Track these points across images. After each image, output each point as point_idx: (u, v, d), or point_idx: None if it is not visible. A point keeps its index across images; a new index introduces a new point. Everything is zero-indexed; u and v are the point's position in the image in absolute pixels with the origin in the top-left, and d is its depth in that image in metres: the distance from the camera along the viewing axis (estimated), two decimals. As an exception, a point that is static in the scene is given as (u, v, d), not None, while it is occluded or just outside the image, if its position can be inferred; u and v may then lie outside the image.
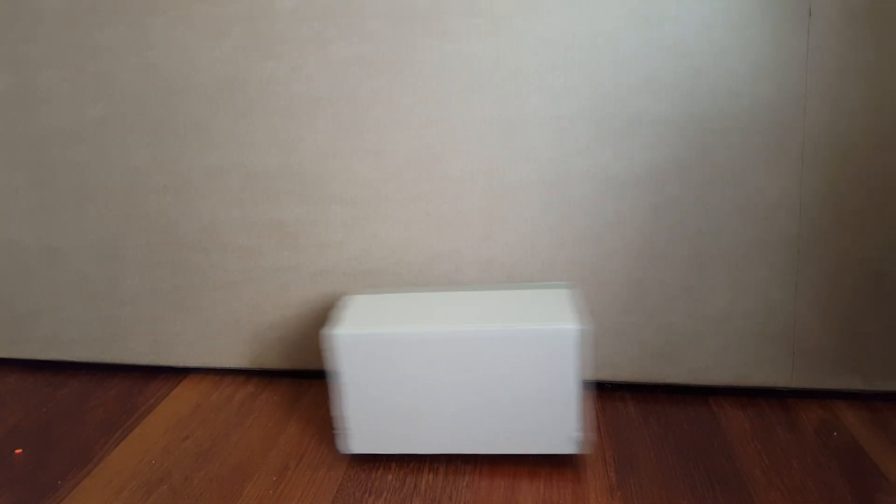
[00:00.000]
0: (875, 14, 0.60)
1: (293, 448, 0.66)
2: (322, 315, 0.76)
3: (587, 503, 0.56)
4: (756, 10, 0.62)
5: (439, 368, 0.59)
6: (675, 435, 0.65)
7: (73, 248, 0.78)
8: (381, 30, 0.67)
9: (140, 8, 0.70)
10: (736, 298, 0.68)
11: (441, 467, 0.62)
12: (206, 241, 0.75)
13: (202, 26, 0.69)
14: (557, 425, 0.59)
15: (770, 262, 0.67)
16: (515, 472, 0.61)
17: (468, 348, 0.58)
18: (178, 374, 0.81)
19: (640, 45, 0.64)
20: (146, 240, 0.76)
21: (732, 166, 0.65)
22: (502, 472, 0.61)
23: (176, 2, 0.69)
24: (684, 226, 0.67)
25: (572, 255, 0.70)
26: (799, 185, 0.65)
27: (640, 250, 0.68)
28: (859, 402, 0.69)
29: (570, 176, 0.68)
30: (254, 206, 0.73)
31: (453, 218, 0.70)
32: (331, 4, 0.67)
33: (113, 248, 0.77)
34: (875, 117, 0.62)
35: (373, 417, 0.61)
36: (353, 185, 0.71)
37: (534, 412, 0.59)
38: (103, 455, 0.66)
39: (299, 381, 0.78)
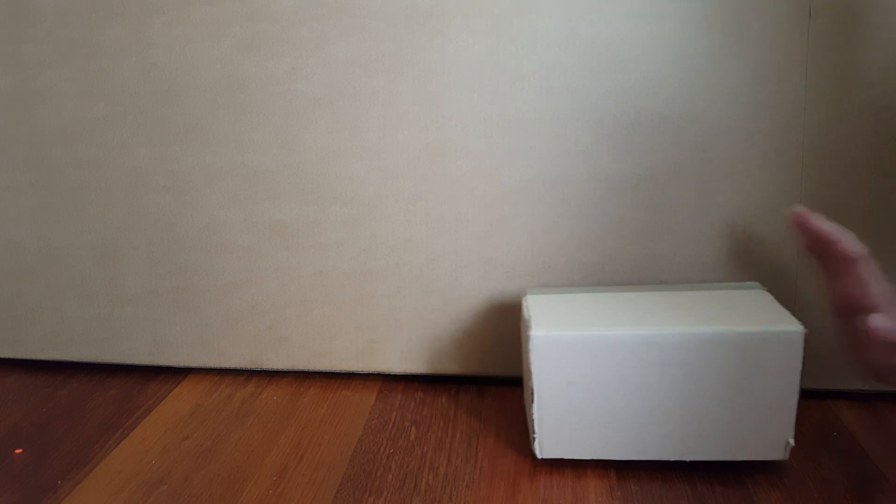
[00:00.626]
0: (876, 14, 0.60)
1: (293, 448, 0.66)
2: (322, 315, 0.76)
3: (587, 503, 0.56)
4: (756, 11, 0.62)
5: (642, 372, 0.57)
6: (675, 435, 0.65)
7: (73, 248, 0.78)
8: (381, 30, 0.67)
9: (140, 8, 0.70)
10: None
11: (441, 467, 0.62)
12: (206, 241, 0.75)
13: (202, 26, 0.69)
14: (772, 431, 0.57)
15: (770, 262, 0.67)
16: (516, 472, 0.61)
17: (679, 351, 0.56)
18: (178, 374, 0.81)
19: (641, 45, 0.64)
20: (146, 240, 0.76)
21: (733, 166, 0.65)
22: (502, 472, 0.61)
23: (176, 2, 0.69)
24: (685, 226, 0.67)
25: (572, 255, 0.70)
26: (799, 185, 0.65)
27: (640, 251, 0.68)
28: (859, 402, 0.69)
29: (571, 176, 0.68)
30: (254, 206, 0.73)
31: (453, 218, 0.71)
32: (331, 4, 0.67)
33: (113, 248, 0.77)
34: (875, 117, 0.62)
35: (570, 421, 0.59)
36: (353, 185, 0.71)
37: (748, 418, 0.57)
38: (103, 455, 0.66)
39: (299, 381, 0.78)
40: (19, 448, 0.68)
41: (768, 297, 0.62)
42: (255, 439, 0.67)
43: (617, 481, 0.59)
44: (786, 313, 0.58)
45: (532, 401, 0.60)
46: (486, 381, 0.76)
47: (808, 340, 0.56)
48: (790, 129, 0.64)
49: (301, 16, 0.68)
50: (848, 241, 0.52)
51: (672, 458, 0.60)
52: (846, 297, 0.53)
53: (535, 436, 0.61)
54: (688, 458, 0.60)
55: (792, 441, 0.58)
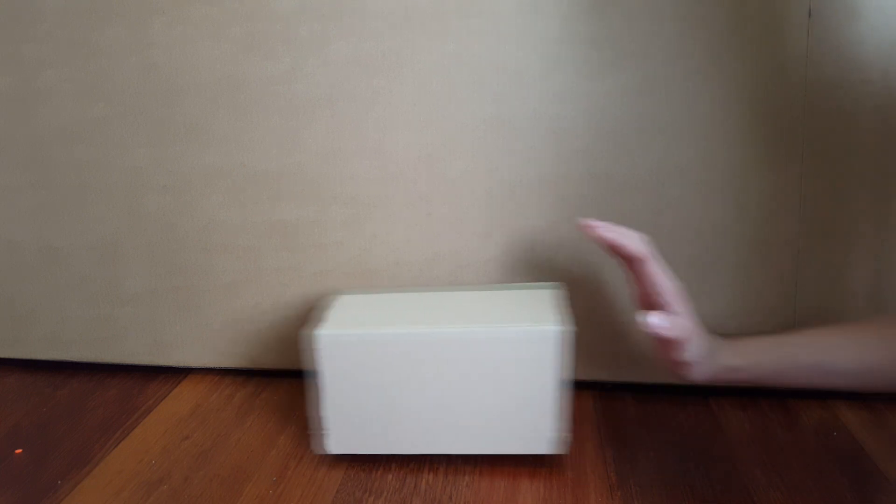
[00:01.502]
0: (876, 14, 0.60)
1: (293, 448, 0.66)
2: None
3: (587, 503, 0.56)
4: (756, 11, 0.62)
5: (418, 369, 0.59)
6: (675, 435, 0.65)
7: (73, 248, 0.78)
8: (381, 30, 0.67)
9: (140, 8, 0.70)
10: (736, 298, 0.68)
11: (441, 467, 0.62)
12: (206, 241, 0.75)
13: (202, 26, 0.69)
14: (537, 426, 0.59)
15: (770, 262, 0.67)
16: (515, 472, 0.61)
17: (449, 349, 0.59)
18: (178, 374, 0.81)
19: (641, 46, 0.64)
20: (146, 240, 0.76)
21: (732, 167, 0.65)
22: (502, 471, 0.61)
23: (176, 2, 0.69)
24: (685, 226, 0.67)
25: (572, 255, 0.70)
26: (799, 186, 0.65)
27: (640, 250, 0.68)
28: (859, 402, 0.69)
29: (571, 176, 0.68)
30: (254, 206, 0.73)
31: (453, 218, 0.70)
32: (331, 4, 0.67)
33: (113, 248, 0.77)
34: (875, 117, 0.62)
35: (352, 418, 0.61)
36: (353, 185, 0.71)
37: (514, 413, 0.59)
38: (103, 455, 0.66)
39: (299, 381, 0.78)
40: (19, 448, 0.68)
41: (556, 297, 0.64)
42: (255, 439, 0.67)
43: (617, 481, 0.59)
44: (555, 313, 0.60)
45: (320, 398, 0.61)
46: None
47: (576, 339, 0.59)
48: (790, 130, 0.64)
49: (301, 16, 0.68)
50: (633, 242, 0.55)
51: (455, 453, 0.62)
52: (641, 295, 0.57)
53: (325, 432, 0.62)
54: (468, 452, 0.62)
55: (564, 435, 0.60)
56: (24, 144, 0.76)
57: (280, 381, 0.78)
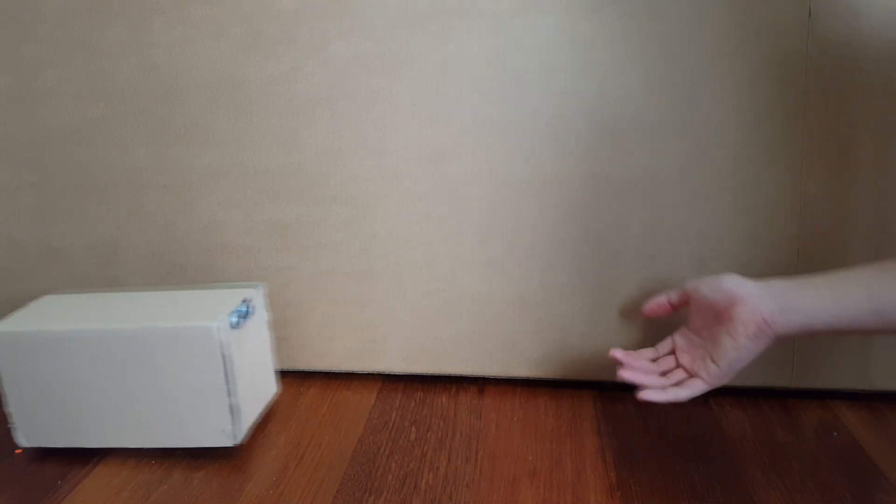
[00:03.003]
0: (876, 14, 0.60)
1: (293, 448, 0.66)
2: (322, 315, 0.76)
3: (587, 503, 0.56)
4: (756, 11, 0.62)
5: (93, 366, 0.62)
6: (675, 435, 0.65)
7: (73, 248, 0.78)
8: (381, 30, 0.67)
9: (140, 8, 0.70)
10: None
11: (441, 467, 0.62)
12: (206, 241, 0.75)
13: (202, 26, 0.69)
14: (213, 419, 0.62)
15: (770, 262, 0.67)
16: (515, 471, 0.61)
17: (113, 347, 0.62)
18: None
19: (640, 46, 0.64)
20: (146, 240, 0.76)
21: (732, 167, 0.65)
22: (502, 471, 0.61)
23: (176, 2, 0.69)
24: (685, 226, 0.67)
25: (572, 255, 0.70)
26: (799, 185, 0.65)
27: (640, 251, 0.68)
28: (859, 402, 0.69)
29: (571, 177, 0.68)
30: (254, 206, 0.73)
31: (453, 218, 0.70)
32: (331, 4, 0.67)
33: (113, 248, 0.77)
34: (875, 117, 0.62)
35: (37, 413, 0.64)
36: (353, 185, 0.71)
37: (186, 407, 0.62)
38: (103, 455, 0.66)
39: (299, 381, 0.78)
40: (19, 448, 0.68)
41: (247, 295, 0.67)
42: (255, 439, 0.67)
43: (617, 481, 0.59)
44: (224, 310, 0.63)
45: (4, 394, 0.64)
46: (485, 381, 0.76)
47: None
48: (790, 129, 0.64)
49: (301, 16, 0.68)
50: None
51: (141, 446, 0.65)
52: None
53: (13, 426, 0.65)
54: (152, 445, 0.65)
55: (230, 428, 0.63)
56: (24, 144, 0.76)
57: (280, 380, 0.78)
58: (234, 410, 0.62)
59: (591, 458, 0.62)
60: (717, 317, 0.57)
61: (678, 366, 0.60)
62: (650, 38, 0.63)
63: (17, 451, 0.67)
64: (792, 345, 0.68)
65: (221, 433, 0.63)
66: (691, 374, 0.58)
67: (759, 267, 0.67)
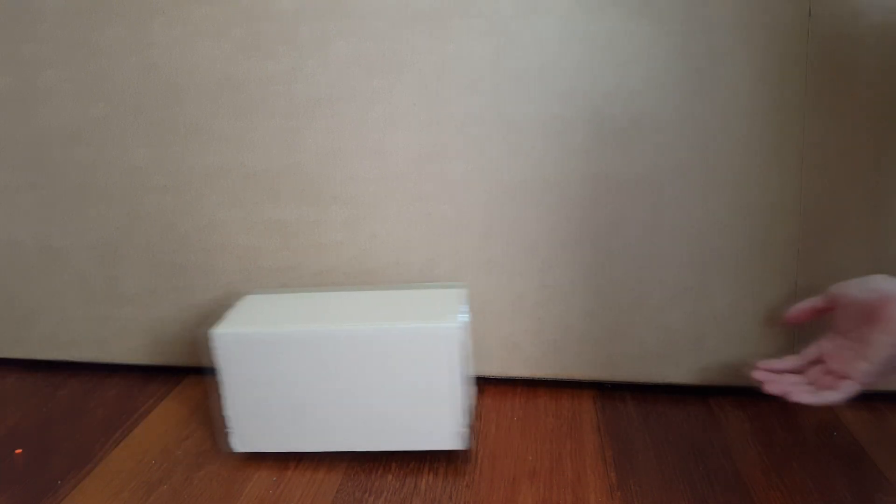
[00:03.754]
0: (876, 14, 0.60)
1: (293, 448, 0.66)
2: (322, 315, 0.76)
3: (587, 503, 0.56)
4: (756, 11, 0.62)
5: (320, 367, 0.60)
6: (675, 435, 0.65)
7: (73, 248, 0.78)
8: (381, 30, 0.67)
9: (140, 8, 0.70)
10: (736, 298, 0.68)
11: (441, 467, 0.62)
12: (206, 241, 0.75)
13: (202, 26, 0.69)
14: (440, 421, 0.60)
15: (770, 262, 0.67)
16: (515, 472, 0.61)
17: (349, 347, 0.60)
18: (178, 374, 0.81)
19: (641, 46, 0.64)
20: (146, 240, 0.76)
21: (732, 167, 0.65)
22: (502, 471, 0.61)
23: (176, 2, 0.69)
24: (685, 226, 0.67)
25: (572, 255, 0.70)
26: (799, 186, 0.65)
27: (640, 251, 0.68)
28: (859, 402, 0.69)
29: (571, 176, 0.68)
30: (254, 206, 0.73)
31: (453, 218, 0.70)
32: (331, 4, 0.67)
33: (113, 248, 0.77)
34: (875, 117, 0.62)
35: (256, 417, 0.62)
36: (353, 185, 0.71)
37: (417, 409, 0.60)
38: (103, 455, 0.66)
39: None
40: (19, 448, 0.68)
41: (460, 296, 0.65)
42: (255, 439, 0.67)
43: (617, 481, 0.59)
44: (456, 311, 0.61)
45: (223, 397, 0.62)
46: (486, 381, 0.76)
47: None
48: (790, 129, 0.64)
49: (301, 16, 0.68)
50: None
51: (362, 450, 0.63)
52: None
53: (229, 430, 0.63)
54: (372, 448, 0.63)
55: (465, 430, 0.61)
56: (24, 144, 0.76)
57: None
58: (467, 413, 0.60)
59: (591, 458, 0.62)
60: (868, 317, 0.56)
61: (828, 371, 0.60)
62: (650, 38, 0.63)
63: (17, 452, 0.67)
64: (792, 345, 0.68)
65: (456, 436, 0.60)
66: (841, 377, 0.57)
67: (759, 267, 0.67)
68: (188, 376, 0.80)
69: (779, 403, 0.69)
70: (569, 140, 0.67)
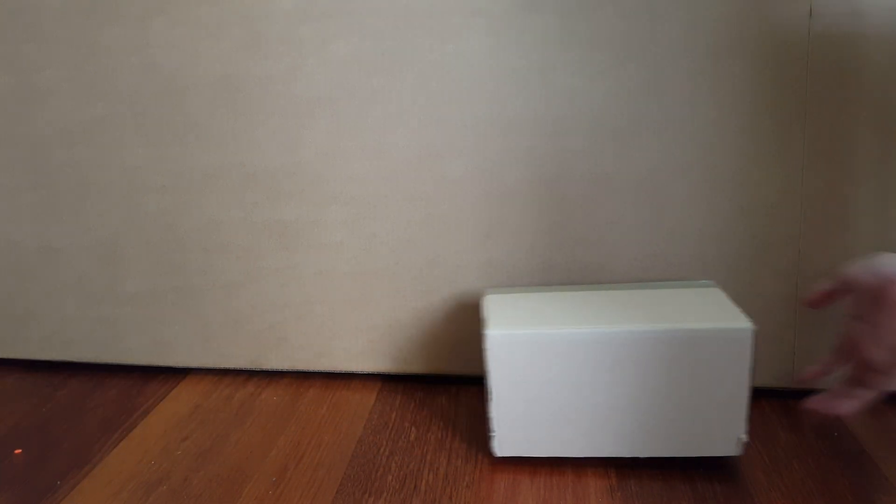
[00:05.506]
0: (876, 14, 0.60)
1: (293, 448, 0.66)
2: (322, 315, 0.75)
3: (587, 503, 0.56)
4: (756, 11, 0.62)
5: (590, 369, 0.57)
6: (676, 435, 0.65)
7: (72, 248, 0.78)
8: (381, 30, 0.67)
9: (140, 8, 0.70)
10: (736, 298, 0.68)
11: (441, 467, 0.62)
12: (206, 241, 0.75)
13: (202, 26, 0.69)
14: (719, 428, 0.58)
15: (770, 263, 0.67)
16: (515, 472, 0.61)
17: (630, 349, 0.57)
18: (177, 374, 0.81)
19: (641, 46, 0.64)
20: (146, 240, 0.76)
21: (732, 167, 0.65)
22: (502, 472, 0.61)
23: (176, 2, 0.69)
24: (685, 226, 0.67)
25: (572, 255, 0.69)
26: (799, 185, 0.65)
27: (640, 251, 0.68)
28: (859, 402, 0.69)
29: (571, 176, 0.68)
30: (254, 206, 0.73)
31: (453, 218, 0.70)
32: (331, 4, 0.67)
33: (113, 248, 0.77)
34: (875, 117, 0.62)
35: (521, 420, 0.60)
36: (353, 185, 0.71)
37: (696, 415, 0.58)
38: (103, 455, 0.66)
39: (299, 381, 0.78)
40: (19, 448, 0.68)
41: (721, 295, 0.63)
42: (254, 439, 0.67)
43: (617, 481, 0.59)
44: (736, 311, 0.59)
45: (490, 399, 0.60)
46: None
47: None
48: (790, 129, 0.64)
49: (301, 16, 0.68)
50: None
51: (627, 455, 0.61)
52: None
53: (493, 434, 0.61)
54: (642, 454, 0.60)
55: (744, 437, 0.59)
56: (24, 144, 0.76)
57: (279, 381, 0.78)
58: (749, 419, 0.58)
59: (591, 458, 0.62)
60: (876, 301, 0.54)
61: (858, 363, 0.57)
62: (650, 38, 0.63)
63: (17, 452, 0.67)
64: (792, 345, 0.68)
65: (736, 442, 0.58)
66: (869, 370, 0.55)
67: (759, 267, 0.67)
68: (188, 376, 0.80)
69: (779, 403, 0.69)
70: (569, 140, 0.67)
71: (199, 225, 0.75)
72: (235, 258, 0.75)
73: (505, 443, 0.61)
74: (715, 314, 0.59)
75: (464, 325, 0.73)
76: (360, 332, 0.75)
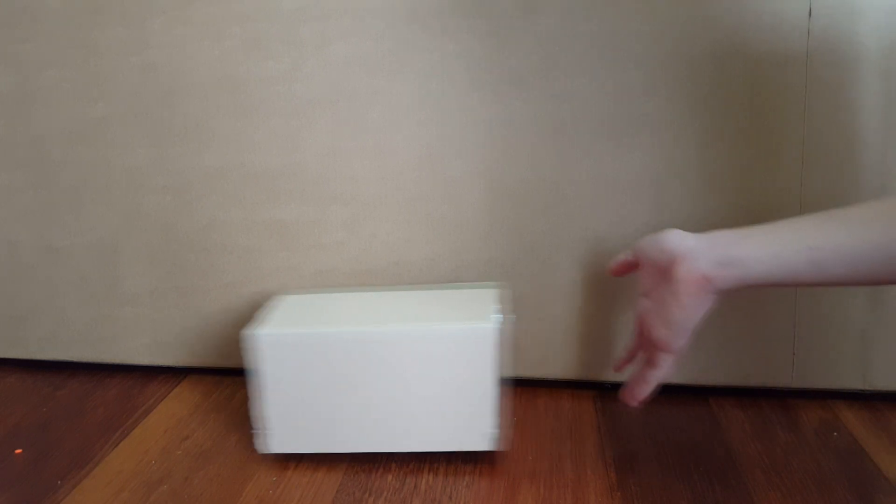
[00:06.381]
0: (876, 14, 0.60)
1: (293, 448, 0.66)
2: (322, 315, 0.76)
3: (587, 503, 0.56)
4: (756, 11, 0.62)
5: (355, 368, 0.60)
6: (675, 435, 0.65)
7: (72, 248, 0.78)
8: (381, 30, 0.67)
9: (140, 8, 0.70)
10: (736, 298, 0.68)
11: (441, 467, 0.62)
12: (206, 241, 0.75)
13: (202, 26, 0.69)
14: (474, 423, 0.60)
15: (770, 262, 0.67)
16: (515, 472, 0.61)
17: (387, 348, 0.60)
18: (177, 374, 0.81)
19: (640, 46, 0.64)
20: (146, 240, 0.76)
21: (732, 167, 0.65)
22: (502, 472, 0.61)
23: (176, 2, 0.69)
24: (685, 226, 0.67)
25: (572, 255, 0.70)
26: (799, 185, 0.65)
27: (640, 250, 0.68)
28: (859, 402, 0.69)
29: (570, 176, 0.68)
30: (254, 206, 0.73)
31: (453, 218, 0.70)
32: (331, 4, 0.67)
33: (113, 248, 0.77)
34: (875, 117, 0.62)
35: (292, 417, 0.62)
36: (353, 185, 0.71)
37: (452, 410, 0.60)
38: (103, 455, 0.66)
39: (299, 381, 0.78)
40: (19, 448, 0.68)
41: (495, 296, 0.65)
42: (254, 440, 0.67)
43: (617, 481, 0.59)
44: (492, 311, 0.61)
45: (257, 397, 0.62)
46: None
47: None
48: (790, 129, 0.64)
49: (301, 16, 0.68)
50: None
51: (394, 451, 0.63)
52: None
53: (260, 431, 0.62)
54: (407, 450, 0.62)
55: (494, 431, 0.60)
56: (24, 144, 0.76)
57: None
58: (499, 414, 0.60)
59: (591, 458, 0.62)
60: (662, 277, 0.54)
61: (646, 339, 0.58)
62: (650, 38, 0.63)
63: (17, 452, 0.67)
64: (792, 345, 0.68)
65: (486, 437, 0.60)
66: (657, 349, 0.56)
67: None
68: (188, 376, 0.80)
69: (779, 403, 0.69)
70: (569, 140, 0.67)
71: (199, 225, 0.75)
72: (236, 258, 0.75)
73: (273, 440, 0.63)
74: (469, 314, 0.61)
75: (464, 325, 0.73)
76: (361, 332, 0.75)
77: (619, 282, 0.69)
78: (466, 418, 0.60)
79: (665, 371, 0.57)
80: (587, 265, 0.70)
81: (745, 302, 0.68)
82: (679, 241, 0.54)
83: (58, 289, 0.80)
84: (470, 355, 0.59)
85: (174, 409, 0.74)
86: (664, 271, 0.54)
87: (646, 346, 0.60)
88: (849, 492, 0.56)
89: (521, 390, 0.74)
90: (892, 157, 0.63)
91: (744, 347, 0.69)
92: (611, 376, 0.72)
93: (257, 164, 0.72)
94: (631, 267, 0.61)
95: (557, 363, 0.73)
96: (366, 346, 0.59)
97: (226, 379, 0.79)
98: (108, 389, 0.79)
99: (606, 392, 0.72)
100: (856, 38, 0.61)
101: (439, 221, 0.71)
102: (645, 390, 0.58)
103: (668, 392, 0.72)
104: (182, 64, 0.71)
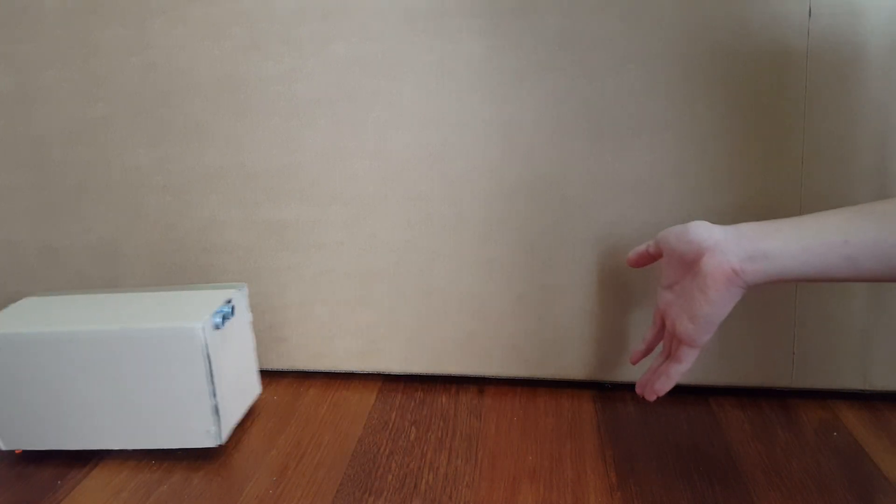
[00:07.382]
0: (876, 14, 0.60)
1: (293, 448, 0.66)
2: (322, 315, 0.76)
3: (587, 503, 0.56)
4: (756, 11, 0.62)
5: (71, 367, 0.61)
6: (675, 435, 0.65)
7: (72, 248, 0.78)
8: (381, 30, 0.67)
9: (140, 8, 0.70)
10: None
11: (441, 467, 0.62)
12: (206, 241, 0.75)
13: (202, 26, 0.69)
14: (196, 420, 0.62)
15: (770, 262, 0.67)
16: (515, 471, 0.61)
17: (95, 349, 0.61)
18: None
19: (640, 46, 0.64)
20: (146, 240, 0.76)
21: (732, 166, 0.65)
22: (502, 471, 0.61)
23: (176, 2, 0.69)
24: (684, 226, 0.67)
25: (572, 254, 0.70)
26: (799, 186, 0.65)
27: (640, 250, 0.68)
28: (859, 402, 0.69)
29: (570, 176, 0.68)
30: (254, 206, 0.73)
31: (453, 218, 0.70)
32: (331, 4, 0.67)
33: (113, 248, 0.77)
34: (875, 117, 0.62)
35: (17, 415, 0.63)
36: (353, 185, 0.71)
37: (169, 408, 0.62)
38: (103, 455, 0.66)
39: (299, 381, 0.78)
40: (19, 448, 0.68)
41: (229, 296, 0.66)
42: (254, 439, 0.67)
43: (617, 481, 0.59)
44: (209, 312, 0.62)
45: None
46: (485, 381, 0.76)
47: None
48: (790, 129, 0.64)
49: (301, 16, 0.68)
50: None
51: (126, 448, 0.64)
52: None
53: None
54: (137, 447, 0.64)
55: (213, 429, 0.62)
56: (24, 144, 0.76)
57: (280, 380, 0.78)
58: (217, 412, 0.62)
59: (591, 458, 0.62)
60: (688, 269, 0.53)
61: (671, 336, 0.57)
62: (650, 38, 0.63)
63: (17, 452, 0.67)
64: (792, 345, 0.68)
65: (205, 434, 0.62)
66: (680, 343, 0.55)
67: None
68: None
69: (779, 403, 0.69)
70: (569, 140, 0.67)
71: (199, 225, 0.75)
72: (236, 258, 0.75)
73: (9, 437, 0.64)
74: (183, 314, 0.62)
75: (464, 326, 0.73)
76: (360, 332, 0.75)
77: (619, 281, 0.69)
78: (184, 416, 0.62)
79: (687, 365, 0.55)
80: (587, 265, 0.70)
81: (745, 302, 0.68)
82: (707, 233, 0.52)
83: (58, 289, 0.80)
84: (177, 355, 0.60)
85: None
86: (690, 264, 0.53)
87: (667, 340, 0.59)
88: (849, 492, 0.56)
89: (521, 390, 0.74)
90: (892, 157, 0.63)
91: (744, 347, 0.69)
92: (611, 376, 0.72)
93: (257, 164, 0.72)
94: (651, 258, 0.60)
95: (557, 363, 0.73)
96: (73, 346, 0.61)
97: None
98: (108, 389, 0.79)
99: (606, 392, 0.73)
100: (856, 38, 0.61)
101: (439, 221, 0.71)
102: (667, 385, 0.57)
103: (668, 392, 0.72)
104: (182, 64, 0.71)
